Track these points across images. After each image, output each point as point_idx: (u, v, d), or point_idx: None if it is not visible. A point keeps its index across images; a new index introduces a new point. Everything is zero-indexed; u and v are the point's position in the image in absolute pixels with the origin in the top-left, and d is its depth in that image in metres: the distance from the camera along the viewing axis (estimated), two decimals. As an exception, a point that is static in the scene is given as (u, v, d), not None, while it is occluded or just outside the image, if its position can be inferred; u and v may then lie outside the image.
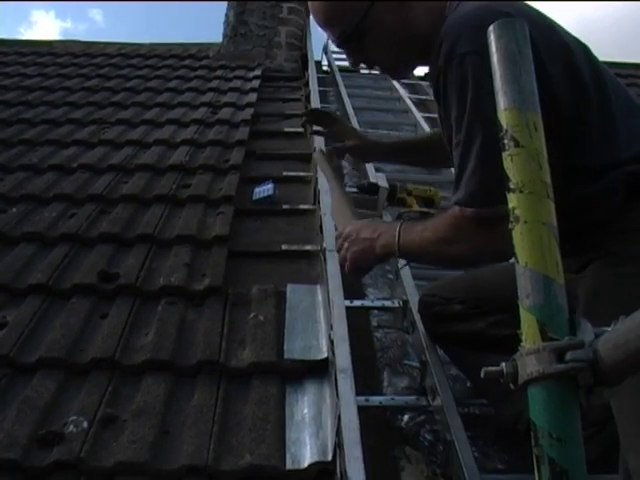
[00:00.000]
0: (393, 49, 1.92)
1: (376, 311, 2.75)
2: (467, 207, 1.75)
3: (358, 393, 2.01)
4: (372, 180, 3.38)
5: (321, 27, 1.99)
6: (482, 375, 1.14)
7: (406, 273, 2.66)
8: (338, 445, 1.77)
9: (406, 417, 2.21)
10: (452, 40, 1.70)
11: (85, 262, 2.86)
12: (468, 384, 2.36)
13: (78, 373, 2.22)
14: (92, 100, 5.29)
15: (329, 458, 1.82)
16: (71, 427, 1.93)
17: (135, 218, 3.28)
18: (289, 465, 1.83)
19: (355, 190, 3.37)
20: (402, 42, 1.89)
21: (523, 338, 1.10)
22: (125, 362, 2.24)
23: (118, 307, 2.55)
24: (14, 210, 3.37)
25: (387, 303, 2.71)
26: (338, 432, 1.78)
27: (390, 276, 2.95)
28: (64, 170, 3.91)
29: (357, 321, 2.64)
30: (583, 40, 1.82)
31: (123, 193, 3.54)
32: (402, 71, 2.10)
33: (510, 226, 1.14)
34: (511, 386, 1.10)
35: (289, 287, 2.66)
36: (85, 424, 1.95)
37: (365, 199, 3.23)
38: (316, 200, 3.17)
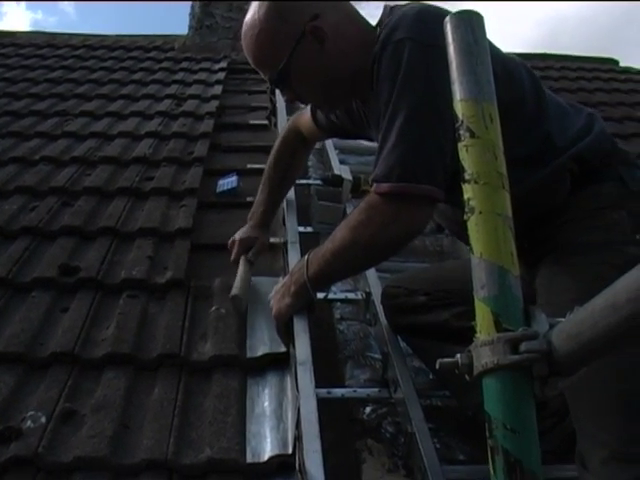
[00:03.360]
0: (319, 90, 2.00)
1: (339, 303, 2.74)
2: (383, 182, 1.76)
3: (320, 385, 2.01)
4: (336, 172, 3.36)
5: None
6: (437, 367, 1.14)
7: (369, 265, 2.66)
8: (298, 438, 1.76)
9: (368, 409, 2.21)
10: (389, 30, 1.77)
11: (46, 255, 2.82)
12: (431, 376, 2.37)
13: (38, 368, 2.19)
14: (55, 92, 5.23)
15: (289, 451, 1.81)
16: (29, 422, 1.90)
17: (98, 211, 3.24)
18: (249, 459, 1.82)
19: (320, 182, 3.36)
20: (327, 84, 1.96)
21: (478, 329, 1.10)
22: (85, 356, 2.21)
23: (79, 301, 2.52)
24: (-27, 203, 3.31)
25: (350, 295, 2.70)
26: (298, 425, 1.77)
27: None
28: (26, 162, 3.85)
29: (320, 313, 2.63)
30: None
31: (86, 185, 3.50)
32: (333, 107, 2.18)
33: (465, 217, 1.14)
34: (466, 377, 1.10)
35: (252, 279, 2.64)
36: (43, 419, 1.92)
37: (329, 191, 3.21)
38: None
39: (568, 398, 1.57)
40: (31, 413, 1.95)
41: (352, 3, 2.02)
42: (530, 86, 1.85)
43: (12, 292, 2.60)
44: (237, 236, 2.68)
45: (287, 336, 2.14)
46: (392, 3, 1.96)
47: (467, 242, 1.15)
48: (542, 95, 1.86)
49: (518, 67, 1.87)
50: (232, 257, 2.64)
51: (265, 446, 1.87)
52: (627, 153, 1.87)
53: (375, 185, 1.80)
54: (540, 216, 1.77)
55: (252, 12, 1.97)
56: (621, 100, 5.85)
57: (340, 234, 1.91)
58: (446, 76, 1.45)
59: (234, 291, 2.40)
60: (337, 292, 2.74)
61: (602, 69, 6.88)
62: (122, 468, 1.79)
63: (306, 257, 2.03)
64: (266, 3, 1.94)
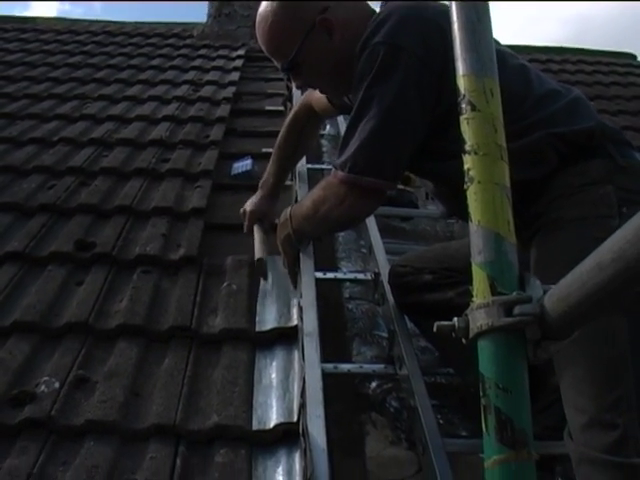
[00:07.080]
0: (327, 78, 2.15)
1: (348, 283, 2.78)
2: (339, 170, 1.98)
3: (327, 361, 2.06)
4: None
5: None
6: (434, 329, 1.19)
7: (379, 247, 2.70)
8: (302, 405, 1.80)
9: (373, 384, 2.25)
10: (370, 32, 1.91)
11: (63, 231, 2.89)
12: (435, 354, 2.41)
13: (52, 337, 2.25)
14: (75, 76, 5.28)
15: (294, 419, 1.86)
16: (43, 387, 1.97)
17: (114, 190, 3.30)
18: (255, 426, 1.88)
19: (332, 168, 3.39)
20: (334, 72, 2.10)
21: (474, 293, 1.14)
22: (99, 327, 2.27)
23: (94, 275, 2.58)
24: (-8, 181, 3.37)
25: (359, 276, 2.73)
26: (303, 393, 1.82)
27: (363, 250, 2.98)
28: (45, 143, 3.91)
29: (329, 293, 2.67)
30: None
31: (103, 166, 3.55)
32: (341, 93, 2.28)
33: (465, 186, 1.18)
34: (462, 340, 1.14)
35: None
36: (57, 384, 1.99)
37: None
38: (293, 175, 3.19)
39: (556, 369, 1.61)
40: (45, 379, 2.01)
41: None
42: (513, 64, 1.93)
43: (29, 266, 2.67)
44: (248, 207, 2.81)
45: (293, 272, 2.45)
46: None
47: (464, 218, 1.19)
48: (528, 78, 1.94)
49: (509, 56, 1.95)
50: (245, 229, 2.78)
51: (271, 415, 1.92)
52: (618, 132, 1.90)
53: (333, 170, 2.04)
54: (527, 192, 1.80)
55: (265, 3, 2.10)
56: (637, 94, 5.85)
57: (307, 203, 2.20)
58: (418, 78, 1.84)
59: (258, 254, 2.55)
60: (347, 272, 2.79)
61: (619, 63, 6.88)
62: (131, 432, 1.86)
63: (289, 211, 2.31)
64: None
